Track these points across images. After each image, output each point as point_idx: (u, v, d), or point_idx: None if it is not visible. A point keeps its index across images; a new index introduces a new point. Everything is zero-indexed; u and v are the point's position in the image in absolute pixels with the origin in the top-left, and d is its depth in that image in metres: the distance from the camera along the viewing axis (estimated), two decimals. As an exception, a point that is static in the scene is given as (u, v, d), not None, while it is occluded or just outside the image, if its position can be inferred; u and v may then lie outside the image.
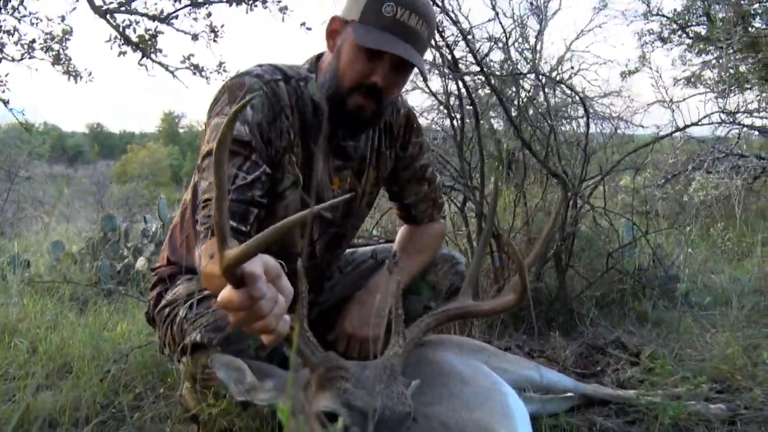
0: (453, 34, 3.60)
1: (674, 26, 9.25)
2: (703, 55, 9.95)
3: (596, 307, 3.98)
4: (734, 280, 4.64)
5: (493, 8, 3.95)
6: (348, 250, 2.62)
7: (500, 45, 4.04)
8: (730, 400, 2.67)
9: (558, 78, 14.47)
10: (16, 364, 3.37)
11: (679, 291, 4.03)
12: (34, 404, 2.83)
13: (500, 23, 4.15)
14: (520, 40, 4.27)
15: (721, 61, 9.29)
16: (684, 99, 9.32)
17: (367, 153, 2.35)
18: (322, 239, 2.35)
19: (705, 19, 9.01)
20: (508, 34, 4.20)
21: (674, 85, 10.35)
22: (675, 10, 9.30)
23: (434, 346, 2.37)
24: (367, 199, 2.44)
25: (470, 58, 3.96)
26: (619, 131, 8.01)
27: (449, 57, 3.53)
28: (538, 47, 14.80)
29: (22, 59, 6.20)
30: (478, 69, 3.82)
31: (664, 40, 9.39)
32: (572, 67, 14.00)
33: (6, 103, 6.46)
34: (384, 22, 1.98)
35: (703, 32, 9.33)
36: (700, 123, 3.64)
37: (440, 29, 3.52)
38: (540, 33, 14.81)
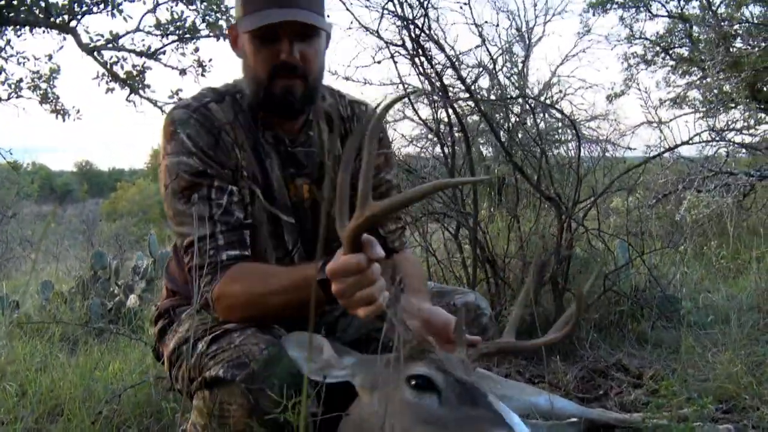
0: (439, 63, 3.59)
1: (657, 49, 9.35)
2: (687, 76, 10.07)
3: (595, 330, 3.94)
4: (731, 298, 4.61)
5: (480, 35, 3.97)
6: None
7: (488, 71, 4.04)
8: (737, 420, 2.63)
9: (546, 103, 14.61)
10: (4, 409, 3.30)
11: (684, 310, 3.99)
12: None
13: (487, 50, 4.15)
14: (508, 65, 4.27)
15: (706, 80, 9.39)
16: (671, 120, 9.42)
17: (326, 158, 2.26)
18: (298, 251, 2.25)
19: (687, 41, 9.12)
20: (494, 60, 4.21)
21: (660, 106, 10.44)
22: (657, 33, 9.43)
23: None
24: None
25: (459, 85, 3.97)
26: (607, 154, 8.04)
27: (438, 84, 3.52)
28: (525, 72, 14.97)
29: (9, 99, 6.17)
30: (467, 95, 3.83)
31: (648, 63, 9.50)
32: (561, 91, 14.13)
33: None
34: (262, 2, 1.98)
35: (686, 54, 9.43)
36: (691, 142, 3.65)
37: (428, 57, 3.53)
38: (526, 59, 14.99)
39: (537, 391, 2.60)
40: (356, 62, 3.60)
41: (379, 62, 3.53)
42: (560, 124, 12.83)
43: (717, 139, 3.55)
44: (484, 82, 4.46)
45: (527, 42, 14.98)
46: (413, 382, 1.54)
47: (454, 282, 3.94)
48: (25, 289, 6.75)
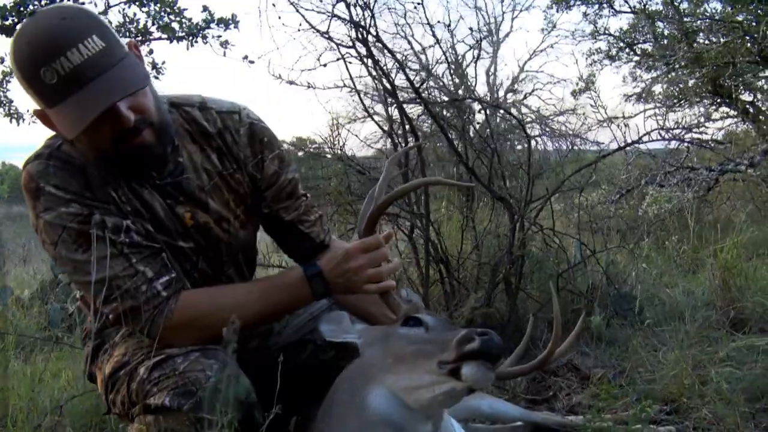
0: (386, 65, 3.56)
1: (621, 44, 9.40)
2: (652, 72, 10.13)
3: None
4: (688, 294, 4.64)
5: (433, 35, 3.94)
6: None
7: (429, 73, 4.01)
8: (678, 421, 2.64)
9: (512, 99, 14.65)
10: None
11: (637, 307, 4.01)
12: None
13: (441, 49, 4.11)
14: (462, 65, 4.24)
15: (670, 75, 9.47)
16: (635, 115, 9.48)
17: (204, 180, 2.15)
18: (198, 270, 2.19)
19: (651, 36, 9.17)
20: (451, 60, 4.19)
21: (626, 101, 10.51)
22: (621, 28, 9.47)
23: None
24: (237, 223, 2.24)
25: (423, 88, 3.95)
26: (575, 147, 8.11)
27: (388, 86, 3.50)
28: (492, 69, 15.04)
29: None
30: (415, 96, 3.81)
31: (612, 59, 9.54)
32: (531, 89, 14.17)
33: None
34: (60, 91, 1.73)
35: (650, 49, 9.49)
36: (640, 141, 3.66)
37: (375, 59, 3.50)
38: (494, 54, 15.04)
39: (479, 394, 2.58)
40: (301, 65, 3.55)
41: (324, 65, 3.50)
42: (521, 121, 12.91)
43: (667, 138, 3.56)
44: (443, 80, 4.42)
45: (494, 38, 15.09)
46: (406, 323, 1.79)
47: (407, 283, 3.92)
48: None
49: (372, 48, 3.55)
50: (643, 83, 10.42)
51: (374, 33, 3.37)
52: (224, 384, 1.74)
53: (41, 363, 3.95)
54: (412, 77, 3.63)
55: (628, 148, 3.99)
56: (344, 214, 4.01)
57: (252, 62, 4.94)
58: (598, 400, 2.58)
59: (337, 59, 3.50)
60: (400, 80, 3.93)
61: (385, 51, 3.63)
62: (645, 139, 3.61)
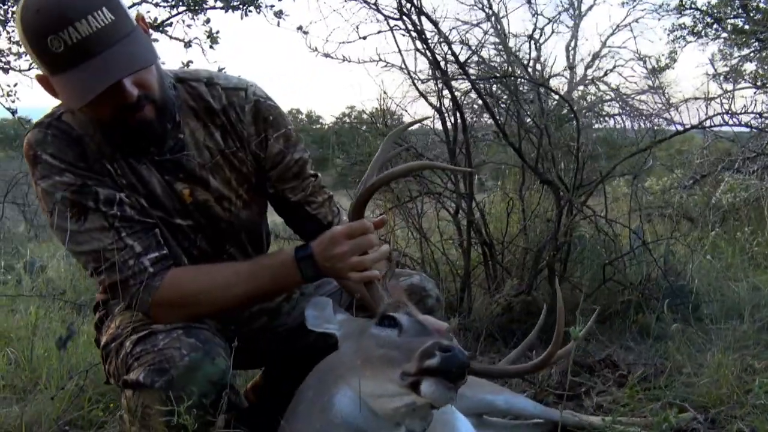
0: (432, 39, 3.41)
1: (708, 20, 8.84)
2: (746, 48, 9.53)
3: (596, 321, 3.76)
4: (754, 290, 4.35)
5: (482, 8, 3.76)
6: None
7: (469, 48, 3.82)
8: (714, 430, 2.45)
9: (591, 76, 14.10)
10: (-1, 375, 3.36)
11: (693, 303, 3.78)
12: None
13: (492, 24, 3.93)
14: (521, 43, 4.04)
15: (763, 53, 8.89)
16: (719, 96, 8.94)
17: (205, 157, 2.11)
18: (198, 248, 2.16)
19: (742, 11, 8.59)
20: (506, 36, 4.00)
21: (712, 80, 9.93)
22: (709, 2, 8.90)
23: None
24: (239, 203, 2.20)
25: (471, 63, 3.80)
26: (656, 128, 7.71)
27: (431, 58, 3.36)
28: (572, 44, 14.49)
29: (30, 69, 6.22)
30: (473, 74, 3.67)
31: (697, 35, 9.00)
32: (612, 66, 13.59)
33: (14, 112, 6.49)
34: (66, 60, 1.70)
35: (742, 25, 8.91)
36: (700, 126, 3.39)
37: (421, 33, 3.36)
38: (576, 28, 14.48)
39: (498, 388, 2.47)
40: (337, 38, 3.44)
41: (364, 38, 3.38)
42: (602, 97, 12.36)
43: (731, 123, 3.27)
44: (498, 58, 4.24)
45: (576, 11, 14.51)
46: (380, 322, 1.68)
47: (446, 266, 3.80)
48: (53, 255, 6.91)
49: (420, 19, 3.43)
50: (733, 61, 9.82)
51: (417, 4, 3.24)
52: (198, 365, 1.75)
53: (86, 323, 4.06)
54: (458, 52, 3.47)
55: (694, 131, 3.71)
56: (384, 191, 3.91)
57: (306, 33, 4.88)
58: (618, 403, 2.42)
59: (378, 32, 3.39)
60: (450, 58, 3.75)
61: (431, 25, 3.48)
62: (707, 123, 3.34)
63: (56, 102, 1.98)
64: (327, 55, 3.35)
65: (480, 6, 5.54)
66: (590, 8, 14.57)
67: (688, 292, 3.93)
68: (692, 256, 4.19)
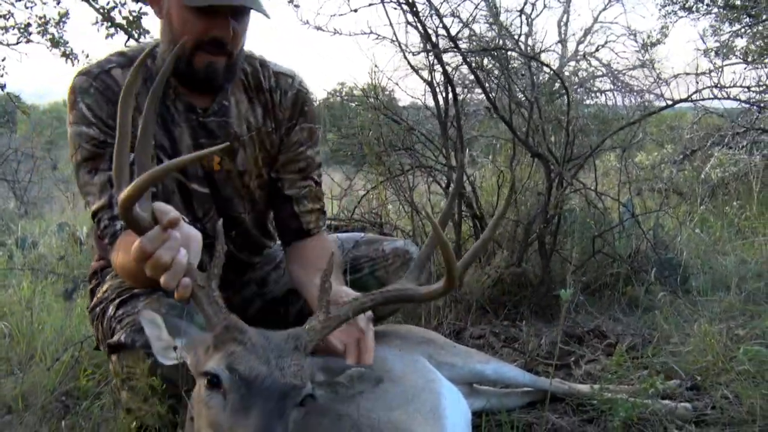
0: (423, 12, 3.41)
1: (699, -7, 8.81)
2: (736, 24, 9.51)
3: (585, 293, 3.81)
4: (741, 263, 4.40)
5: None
6: None
7: (490, 22, 3.83)
8: (699, 398, 2.50)
9: (583, 52, 14.08)
10: (-8, 349, 3.38)
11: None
12: (-1, 390, 2.81)
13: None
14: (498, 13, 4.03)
15: (757, 29, 8.86)
16: (710, 71, 8.94)
17: (242, 130, 2.21)
18: (210, 220, 2.23)
19: (734, -15, 8.55)
20: (497, 10, 4.00)
21: (703, 56, 9.91)
22: (700, -25, 8.87)
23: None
24: (258, 181, 2.29)
25: (462, 37, 3.79)
26: (646, 103, 7.71)
27: (420, 29, 3.36)
28: (564, 20, 14.43)
29: (18, 43, 6.21)
30: (464, 48, 3.66)
31: (688, 10, 8.96)
32: (604, 41, 13.55)
33: (3, 87, 6.49)
34: None
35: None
36: (690, 99, 3.41)
37: (414, 9, 3.36)
38: (567, 3, 14.41)
39: (486, 358, 2.50)
40: (328, 11, 3.43)
41: (355, 10, 3.38)
42: (594, 72, 12.33)
43: (720, 97, 3.30)
44: (487, 32, 4.23)
45: (568, -14, 14.40)
46: (206, 379, 1.41)
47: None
48: (45, 231, 6.91)
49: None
50: (724, 36, 9.79)
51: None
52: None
53: (81, 297, 4.08)
54: (449, 25, 3.46)
55: (681, 104, 3.73)
56: (375, 165, 3.92)
57: (297, 6, 4.84)
58: (607, 371, 2.46)
59: (370, 4, 3.38)
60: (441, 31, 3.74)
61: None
62: (695, 97, 3.36)
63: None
64: (318, 28, 3.34)
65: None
66: (582, -17, 14.48)
67: (676, 265, 3.98)
68: (681, 229, 4.23)
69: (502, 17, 4.40)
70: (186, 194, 2.17)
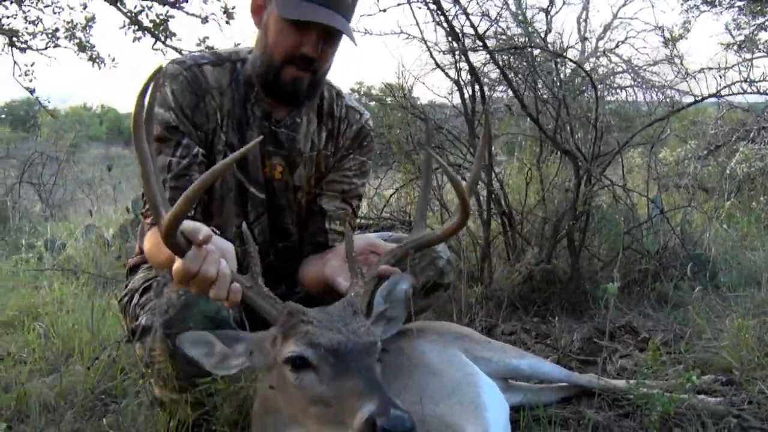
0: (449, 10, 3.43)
1: (722, -13, 8.75)
2: (759, 17, 9.44)
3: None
4: (770, 258, 4.37)
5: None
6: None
7: (517, 19, 3.84)
8: (733, 393, 2.50)
9: (603, 48, 13.95)
10: (29, 349, 3.44)
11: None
12: (33, 390, 2.85)
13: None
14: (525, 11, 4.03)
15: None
16: (734, 65, 8.87)
17: (306, 148, 2.33)
18: (260, 224, 2.32)
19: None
20: (524, 8, 4.01)
21: (726, 50, 9.84)
22: (723, -31, 8.80)
23: (411, 335, 2.27)
24: (306, 198, 2.41)
25: (490, 34, 3.81)
26: (669, 99, 7.65)
27: (447, 28, 3.38)
28: (583, 16, 14.35)
29: (46, 48, 6.33)
30: (492, 44, 3.68)
31: (711, 4, 8.91)
32: (624, 37, 13.41)
33: (32, 91, 6.61)
34: None
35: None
36: (718, 95, 3.40)
37: (441, 8, 3.39)
38: (586, 1, 14.33)
39: (520, 353, 2.52)
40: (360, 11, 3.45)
41: (384, 10, 3.41)
42: (614, 68, 12.23)
43: (749, 91, 3.28)
44: (514, 29, 4.24)
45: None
46: (290, 365, 1.49)
47: (466, 236, 3.84)
48: (72, 233, 7.00)
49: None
50: (748, 30, 9.72)
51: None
52: (193, 302, 1.85)
53: (113, 298, 4.13)
54: (477, 23, 3.48)
55: (710, 100, 3.71)
56: (405, 163, 3.96)
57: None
58: (644, 367, 2.47)
59: (398, 4, 3.41)
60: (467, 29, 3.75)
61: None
62: (724, 92, 3.35)
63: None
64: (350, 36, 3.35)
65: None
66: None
67: (705, 261, 3.98)
68: (709, 224, 4.22)
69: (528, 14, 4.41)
70: (243, 195, 2.26)
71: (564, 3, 11.50)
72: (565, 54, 3.73)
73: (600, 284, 3.70)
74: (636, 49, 13.15)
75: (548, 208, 3.95)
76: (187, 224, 1.51)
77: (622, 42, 13.40)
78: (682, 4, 9.03)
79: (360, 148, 2.44)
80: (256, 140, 1.59)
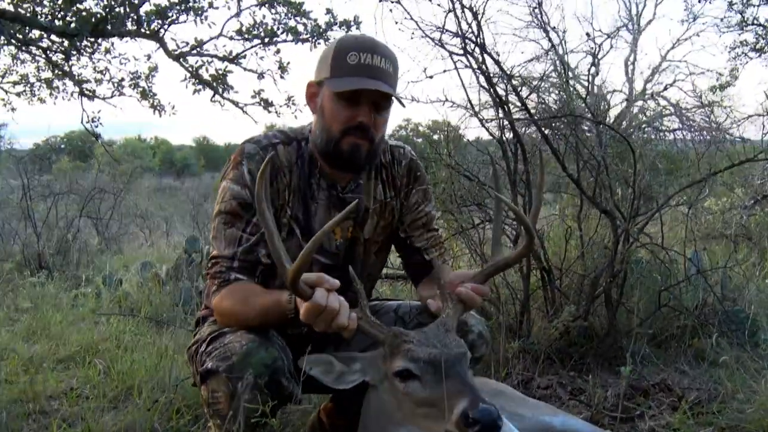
0: (495, 74, 3.63)
1: (772, 35, 8.76)
2: (810, 65, 9.38)
3: (651, 345, 3.88)
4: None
5: (549, 40, 3.94)
6: (372, 303, 2.68)
7: (555, 85, 4.01)
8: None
9: (651, 90, 13.91)
10: (91, 384, 3.66)
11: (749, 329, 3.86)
12: (96, 426, 3.06)
13: (559, 60, 4.11)
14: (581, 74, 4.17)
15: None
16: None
17: (370, 203, 2.53)
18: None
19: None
20: (564, 74, 4.17)
21: (773, 96, 9.79)
22: (771, 19, 8.81)
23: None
24: (375, 247, 2.60)
25: (528, 98, 3.97)
26: (717, 144, 7.65)
27: (494, 95, 3.57)
28: (631, 58, 14.38)
29: (112, 96, 6.73)
30: (531, 110, 3.84)
31: (759, 51, 8.92)
32: (672, 80, 13.34)
33: (98, 137, 7.01)
34: (352, 69, 2.22)
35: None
36: (756, 159, 3.50)
37: (485, 71, 3.58)
38: (633, 44, 14.39)
39: (553, 410, 2.64)
40: (408, 77, 3.66)
41: (431, 77, 3.61)
42: (662, 111, 12.19)
43: (794, 157, 3.36)
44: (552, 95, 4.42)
45: (635, 26, 14.44)
46: (399, 377, 1.87)
47: (506, 290, 3.98)
48: (127, 267, 7.30)
49: (483, 56, 3.64)
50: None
51: (480, 42, 3.46)
52: (253, 351, 2.09)
53: (175, 339, 4.31)
54: (519, 88, 3.66)
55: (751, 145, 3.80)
56: (449, 220, 4.13)
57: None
58: (672, 429, 2.56)
59: (444, 71, 3.61)
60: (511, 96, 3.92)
61: (493, 62, 3.68)
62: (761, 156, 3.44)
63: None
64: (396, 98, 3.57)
65: (536, 23, 5.68)
66: (649, 23, 14.48)
67: (744, 318, 4.01)
68: (749, 282, 4.26)
69: (570, 59, 4.53)
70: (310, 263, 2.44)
71: (611, 47, 11.62)
72: (605, 121, 3.85)
73: (637, 340, 3.78)
74: (684, 92, 13.15)
75: (587, 263, 4.06)
76: (308, 275, 1.91)
77: (670, 85, 13.40)
78: (729, 52, 9.07)
79: (416, 180, 2.62)
80: (354, 203, 1.95)
